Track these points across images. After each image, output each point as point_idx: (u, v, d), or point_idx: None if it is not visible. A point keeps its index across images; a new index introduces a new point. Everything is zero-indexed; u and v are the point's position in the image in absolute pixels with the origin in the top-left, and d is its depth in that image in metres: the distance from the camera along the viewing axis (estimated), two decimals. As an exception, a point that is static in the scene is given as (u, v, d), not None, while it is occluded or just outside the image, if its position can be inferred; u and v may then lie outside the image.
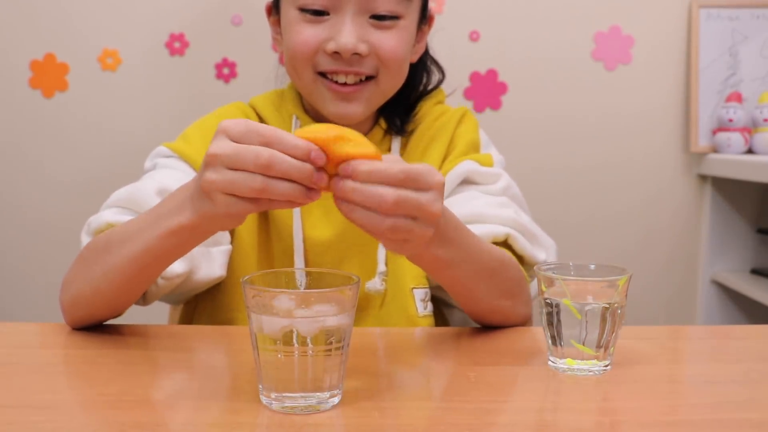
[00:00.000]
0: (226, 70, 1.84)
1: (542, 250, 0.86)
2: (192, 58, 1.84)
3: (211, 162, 0.55)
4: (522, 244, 0.82)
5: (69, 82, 1.85)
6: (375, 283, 0.85)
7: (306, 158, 0.54)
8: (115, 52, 1.84)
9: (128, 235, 0.67)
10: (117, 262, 0.67)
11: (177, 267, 0.76)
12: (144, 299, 0.79)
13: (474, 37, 1.81)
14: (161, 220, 0.62)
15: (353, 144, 0.56)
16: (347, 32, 0.79)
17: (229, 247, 0.84)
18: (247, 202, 0.55)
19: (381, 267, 0.85)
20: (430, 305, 0.86)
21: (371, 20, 0.81)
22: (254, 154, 0.53)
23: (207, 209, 0.57)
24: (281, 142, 0.54)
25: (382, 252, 0.86)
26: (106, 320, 0.77)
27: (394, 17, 0.82)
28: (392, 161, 0.56)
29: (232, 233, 0.86)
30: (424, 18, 0.90)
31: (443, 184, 0.59)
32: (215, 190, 0.55)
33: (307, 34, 0.81)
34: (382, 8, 0.81)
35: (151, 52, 1.84)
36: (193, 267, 0.78)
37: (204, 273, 0.80)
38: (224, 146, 0.55)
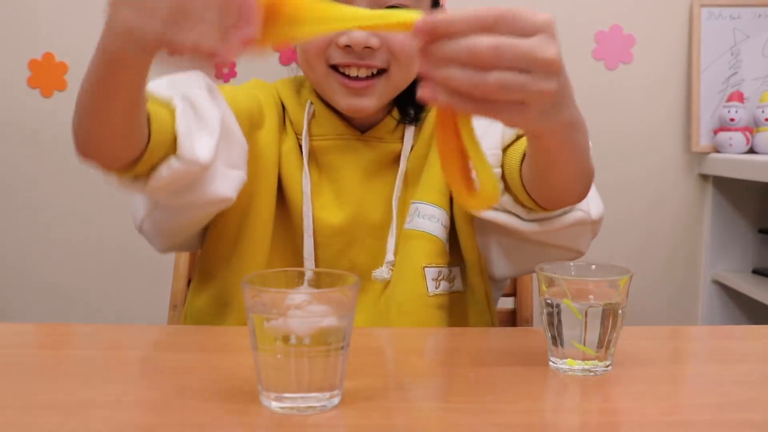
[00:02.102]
0: (225, 70, 1.84)
1: None
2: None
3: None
4: None
5: (68, 81, 1.85)
6: (382, 272, 0.85)
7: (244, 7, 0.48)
8: (116, 52, 1.84)
9: (93, 55, 0.62)
10: (85, 88, 0.63)
11: (199, 152, 0.72)
12: (146, 183, 0.72)
13: (475, 36, 1.80)
14: (105, 42, 0.58)
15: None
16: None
17: (244, 176, 0.82)
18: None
19: (390, 256, 0.86)
20: (443, 284, 0.86)
21: None
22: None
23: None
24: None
25: (392, 240, 0.86)
26: (111, 168, 0.72)
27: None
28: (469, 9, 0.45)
29: (250, 198, 0.85)
30: (436, 9, 0.91)
31: (552, 23, 0.49)
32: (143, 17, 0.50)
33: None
34: (394, 1, 0.82)
35: (151, 51, 1.83)
36: (207, 179, 0.76)
37: (215, 187, 0.77)
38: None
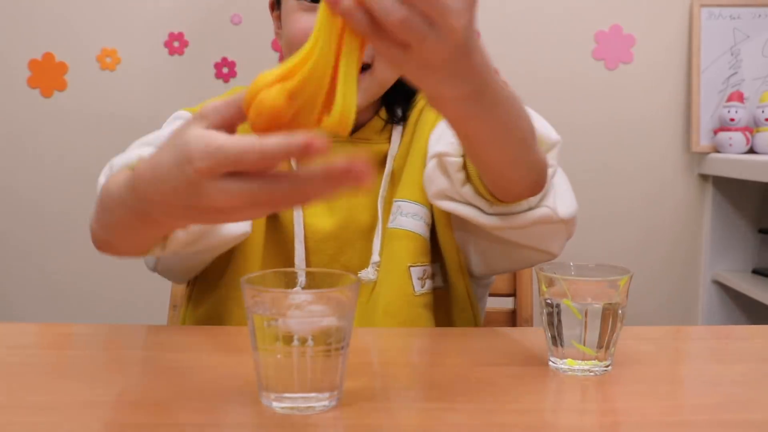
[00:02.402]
0: (225, 70, 1.84)
1: (550, 126, 0.79)
2: (191, 58, 1.84)
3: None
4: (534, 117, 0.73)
5: (68, 81, 1.85)
6: (368, 273, 0.85)
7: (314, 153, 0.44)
8: (114, 52, 1.84)
9: (113, 195, 0.63)
10: (111, 223, 0.65)
11: None
12: (163, 248, 0.73)
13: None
14: (129, 194, 0.58)
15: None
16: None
17: None
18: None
19: (375, 257, 0.85)
20: (429, 283, 0.85)
21: None
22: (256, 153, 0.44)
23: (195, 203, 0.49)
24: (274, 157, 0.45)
25: (377, 241, 0.86)
26: (128, 257, 0.74)
27: None
28: None
29: None
30: None
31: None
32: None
33: (304, 22, 0.82)
34: None
35: (150, 51, 1.84)
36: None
37: (231, 228, 0.78)
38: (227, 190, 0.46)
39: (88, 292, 1.89)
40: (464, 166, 0.76)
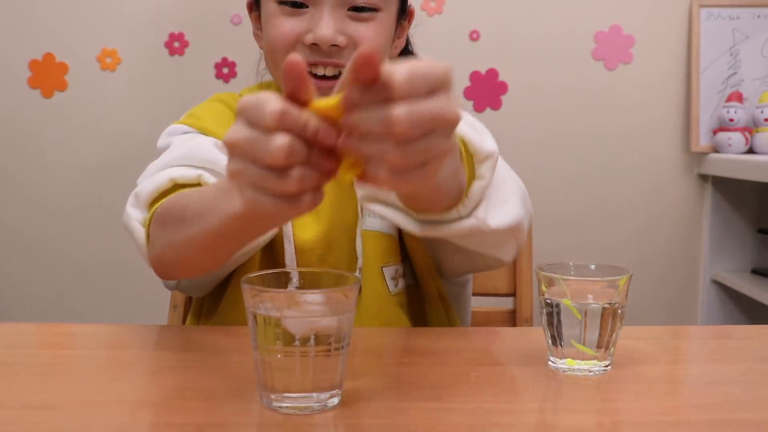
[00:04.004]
0: (225, 70, 1.84)
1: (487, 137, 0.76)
2: (191, 58, 1.84)
3: (230, 150, 0.50)
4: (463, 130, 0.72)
5: (68, 81, 1.85)
6: (356, 275, 0.85)
7: (326, 142, 0.48)
8: (115, 52, 1.84)
9: (202, 209, 0.64)
10: (197, 238, 0.65)
11: None
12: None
13: (474, 36, 1.80)
14: (219, 202, 0.60)
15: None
16: (325, 24, 0.80)
17: None
18: (280, 200, 0.49)
19: (360, 262, 0.85)
20: (401, 282, 0.85)
21: (350, 12, 0.82)
22: (269, 150, 0.47)
23: (248, 199, 0.51)
24: (298, 125, 0.47)
25: (359, 244, 0.85)
26: (191, 277, 0.77)
27: (373, 9, 0.83)
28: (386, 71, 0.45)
29: None
30: (404, 13, 0.91)
31: (450, 74, 0.48)
32: (241, 183, 0.50)
33: (286, 26, 0.82)
34: (361, 2, 0.81)
35: (150, 51, 1.84)
36: None
37: None
38: (240, 133, 0.49)
39: (88, 291, 1.89)
40: None
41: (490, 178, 0.71)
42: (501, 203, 0.73)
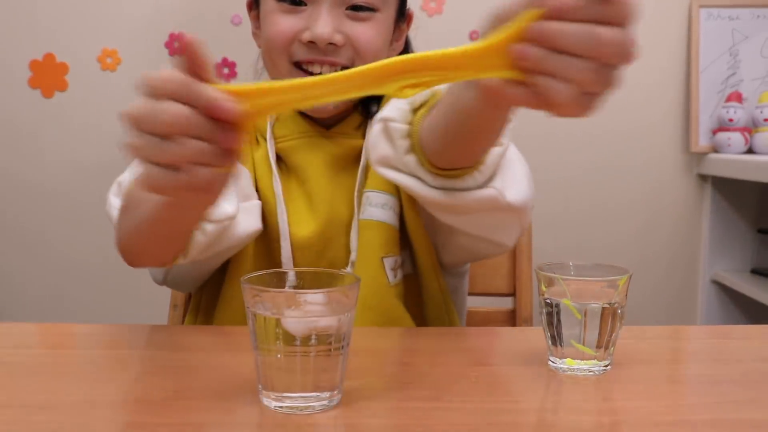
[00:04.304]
0: (225, 70, 1.84)
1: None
2: (192, 58, 1.84)
3: (128, 123, 0.50)
4: None
5: (68, 81, 1.85)
6: (348, 269, 0.85)
7: (220, 113, 0.48)
8: (115, 52, 1.84)
9: (140, 194, 0.66)
10: (139, 223, 0.68)
11: (228, 208, 0.75)
12: (185, 255, 0.76)
13: (474, 37, 1.80)
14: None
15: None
16: (323, 22, 0.80)
17: (259, 202, 0.84)
18: (170, 172, 0.49)
19: (353, 256, 0.85)
20: (400, 272, 0.85)
21: (348, 11, 0.82)
22: (158, 116, 0.48)
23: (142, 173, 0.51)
24: (190, 93, 0.49)
25: (354, 239, 0.85)
26: (157, 267, 0.79)
27: (371, 9, 0.83)
28: None
29: None
30: (403, 16, 0.91)
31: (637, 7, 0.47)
32: (137, 157, 0.50)
33: (283, 24, 0.82)
34: (360, 1, 0.82)
35: (150, 51, 1.84)
36: (233, 223, 0.78)
37: (243, 227, 0.80)
38: (136, 105, 0.50)
39: (88, 291, 1.89)
40: (409, 135, 0.73)
41: (506, 146, 0.72)
42: (516, 178, 0.74)
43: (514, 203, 0.72)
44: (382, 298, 0.83)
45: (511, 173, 0.74)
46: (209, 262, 0.84)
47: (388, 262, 0.84)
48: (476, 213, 0.74)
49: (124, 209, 0.74)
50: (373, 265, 0.83)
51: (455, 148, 0.69)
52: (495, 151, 0.70)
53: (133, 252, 0.76)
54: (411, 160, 0.72)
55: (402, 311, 0.85)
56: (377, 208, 0.85)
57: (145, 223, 0.68)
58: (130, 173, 0.80)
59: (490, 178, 0.72)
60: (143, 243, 0.73)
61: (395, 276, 0.84)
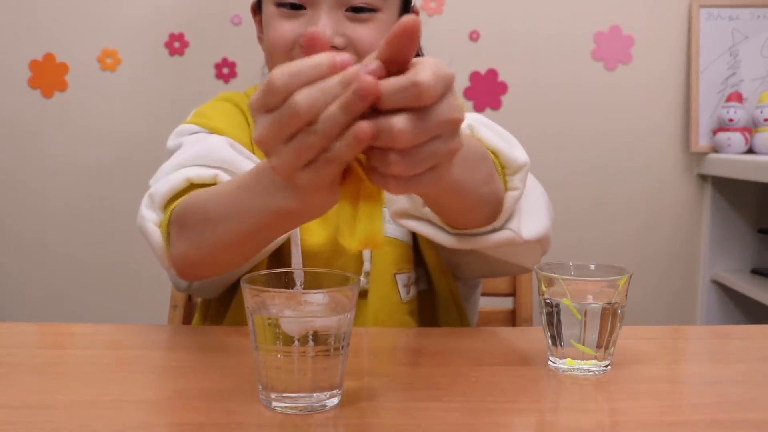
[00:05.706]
0: (225, 70, 1.84)
1: (518, 148, 0.75)
2: (192, 58, 1.84)
3: (265, 148, 0.47)
4: (487, 135, 0.72)
5: (68, 81, 1.85)
6: (361, 282, 0.84)
7: (338, 69, 0.45)
8: (115, 52, 1.84)
9: (230, 208, 0.63)
10: (226, 236, 0.65)
11: None
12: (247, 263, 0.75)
13: (474, 37, 1.81)
14: (264, 198, 0.58)
15: None
16: (323, 25, 0.80)
17: None
18: (324, 164, 0.46)
19: (366, 266, 0.85)
20: (413, 289, 0.85)
21: (348, 13, 0.82)
22: (290, 113, 0.44)
23: (302, 193, 0.51)
24: (306, 72, 0.45)
25: (367, 250, 0.85)
26: (214, 276, 0.76)
27: (371, 10, 0.82)
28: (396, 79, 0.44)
29: None
30: (408, 12, 0.90)
31: (452, 77, 0.46)
32: (290, 173, 0.47)
33: (284, 28, 0.82)
34: (359, 2, 0.81)
35: (150, 51, 1.84)
36: None
37: None
38: (261, 124, 0.46)
39: (88, 291, 1.89)
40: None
41: (522, 189, 0.71)
42: (532, 214, 0.74)
43: (532, 239, 0.73)
44: (393, 314, 0.83)
45: (528, 209, 0.74)
46: (241, 270, 0.83)
47: (401, 279, 0.84)
48: (496, 250, 0.75)
49: (202, 222, 0.69)
50: (385, 281, 0.83)
51: (453, 221, 0.71)
52: (511, 196, 0.71)
53: (198, 264, 0.72)
54: (428, 211, 0.72)
55: (413, 327, 0.84)
56: (390, 224, 0.85)
57: (237, 232, 0.64)
58: (164, 185, 0.76)
59: (507, 221, 0.72)
60: (217, 253, 0.69)
61: (408, 293, 0.84)
